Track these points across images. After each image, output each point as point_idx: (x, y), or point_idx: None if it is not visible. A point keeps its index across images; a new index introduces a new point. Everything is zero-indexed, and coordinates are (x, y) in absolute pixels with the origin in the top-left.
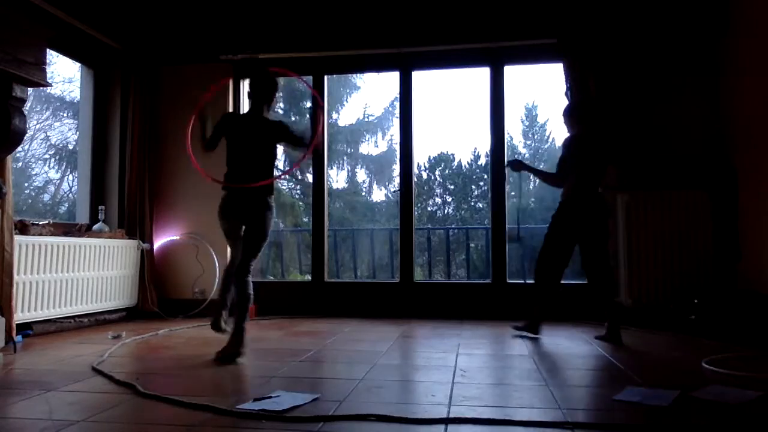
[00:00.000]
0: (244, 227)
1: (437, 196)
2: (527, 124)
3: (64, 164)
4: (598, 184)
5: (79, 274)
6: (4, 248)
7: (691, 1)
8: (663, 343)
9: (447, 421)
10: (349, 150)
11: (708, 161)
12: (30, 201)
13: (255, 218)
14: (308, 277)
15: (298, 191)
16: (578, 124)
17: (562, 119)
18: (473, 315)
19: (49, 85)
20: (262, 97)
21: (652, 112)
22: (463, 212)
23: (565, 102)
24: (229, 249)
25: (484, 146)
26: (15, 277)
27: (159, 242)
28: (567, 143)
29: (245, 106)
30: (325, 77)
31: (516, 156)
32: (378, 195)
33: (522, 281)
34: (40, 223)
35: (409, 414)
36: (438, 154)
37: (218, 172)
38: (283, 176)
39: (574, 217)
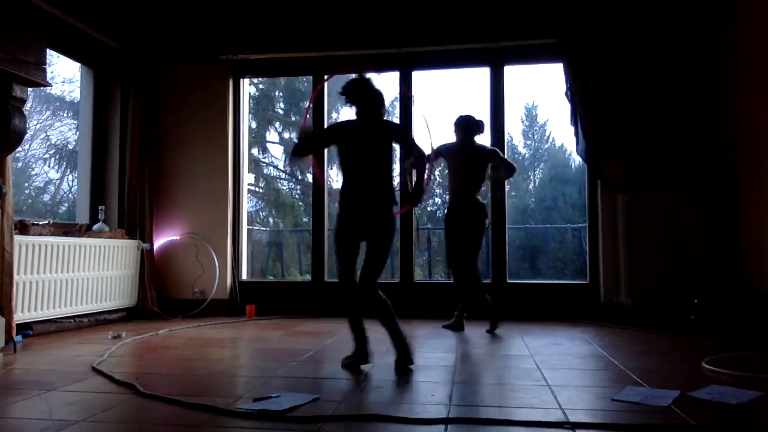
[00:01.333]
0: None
1: (437, 196)
2: (527, 124)
3: (64, 164)
4: (476, 189)
5: (79, 274)
6: (4, 248)
7: (691, 1)
8: (663, 343)
9: (447, 421)
10: None
11: (708, 161)
12: (30, 201)
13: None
14: (308, 277)
15: (298, 191)
16: (460, 136)
17: (453, 127)
18: (473, 315)
19: (49, 85)
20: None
21: (652, 112)
22: None
23: (565, 102)
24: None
25: None
26: (15, 277)
27: (159, 242)
28: (444, 149)
29: (245, 107)
30: (326, 77)
31: (516, 157)
32: None
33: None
34: (40, 223)
35: (409, 414)
36: None
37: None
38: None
39: (458, 218)
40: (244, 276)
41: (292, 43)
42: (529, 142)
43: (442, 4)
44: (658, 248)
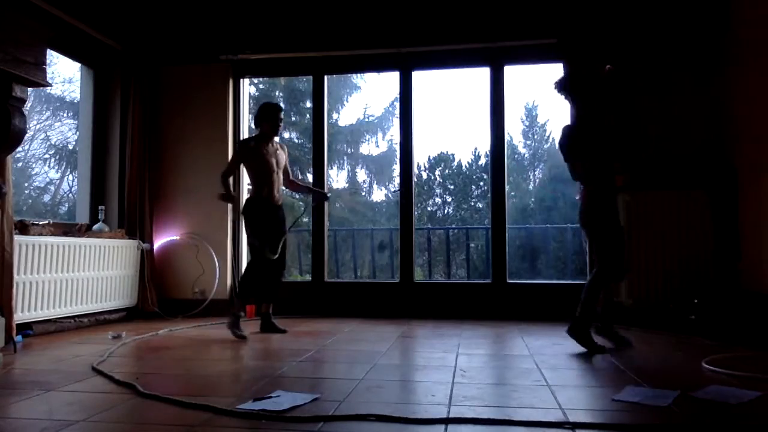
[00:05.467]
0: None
1: (437, 196)
2: (527, 124)
3: (64, 164)
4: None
5: (79, 274)
6: (4, 248)
7: (691, 1)
8: (663, 343)
9: (447, 421)
10: (349, 150)
11: (707, 161)
12: (30, 201)
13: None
14: (308, 277)
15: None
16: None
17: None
18: (473, 315)
19: (49, 85)
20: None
21: (652, 112)
22: (463, 212)
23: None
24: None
25: (484, 146)
26: (15, 277)
27: (159, 242)
28: None
29: (245, 107)
30: (325, 77)
31: (516, 156)
32: (378, 195)
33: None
34: (40, 223)
35: (409, 414)
36: (438, 154)
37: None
38: None
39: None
40: None
41: (292, 43)
42: (529, 142)
43: (442, 4)
44: (658, 248)
